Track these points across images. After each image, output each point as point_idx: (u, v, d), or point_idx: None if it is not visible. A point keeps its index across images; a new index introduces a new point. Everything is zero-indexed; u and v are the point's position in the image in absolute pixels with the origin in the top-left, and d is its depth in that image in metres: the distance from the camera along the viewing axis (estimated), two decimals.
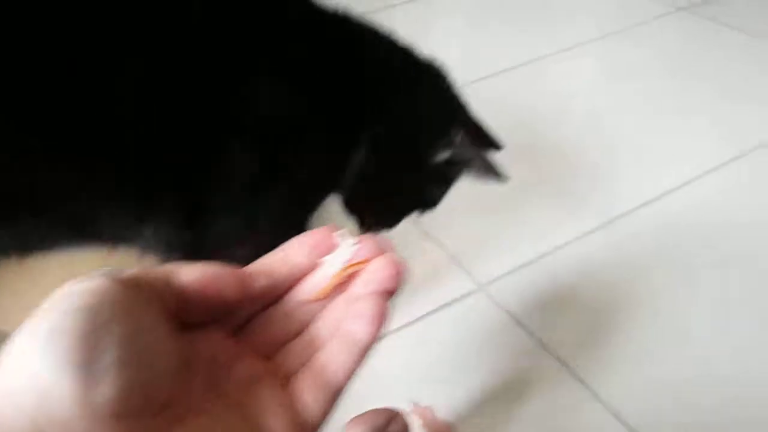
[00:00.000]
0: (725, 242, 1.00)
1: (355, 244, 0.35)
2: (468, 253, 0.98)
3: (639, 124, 1.29)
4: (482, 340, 0.86)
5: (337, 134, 0.72)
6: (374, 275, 0.34)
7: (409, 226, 0.94)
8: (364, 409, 0.45)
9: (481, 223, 1.04)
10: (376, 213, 0.82)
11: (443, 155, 0.75)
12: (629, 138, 1.25)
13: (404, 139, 0.75)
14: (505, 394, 0.80)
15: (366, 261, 0.35)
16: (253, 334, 0.34)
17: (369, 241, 0.35)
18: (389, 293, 0.34)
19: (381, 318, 0.33)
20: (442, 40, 1.65)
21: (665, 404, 0.79)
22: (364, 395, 0.76)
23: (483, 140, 0.77)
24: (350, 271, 0.35)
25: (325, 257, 0.35)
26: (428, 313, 0.89)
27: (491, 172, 0.77)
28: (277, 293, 0.35)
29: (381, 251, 0.35)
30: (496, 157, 0.78)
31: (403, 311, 0.89)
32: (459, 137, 0.74)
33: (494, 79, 1.42)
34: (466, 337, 0.87)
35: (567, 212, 1.06)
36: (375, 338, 0.33)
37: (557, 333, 0.87)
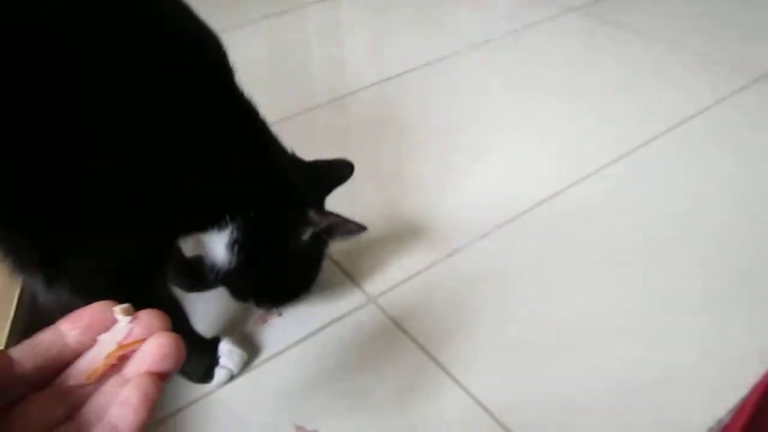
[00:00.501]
0: (599, 246, 1.04)
1: (131, 322, 0.34)
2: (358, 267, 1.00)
3: (521, 125, 1.32)
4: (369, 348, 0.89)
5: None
6: (147, 356, 0.34)
7: None
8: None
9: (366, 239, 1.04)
10: (259, 297, 0.89)
11: (306, 234, 0.82)
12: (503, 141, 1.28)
13: (269, 224, 0.79)
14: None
15: (141, 340, 0.34)
16: (24, 416, 0.33)
17: (145, 318, 0.35)
18: (162, 375, 0.34)
19: (147, 404, 0.33)
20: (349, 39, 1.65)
21: (531, 398, 0.81)
22: (248, 418, 0.77)
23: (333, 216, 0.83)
24: (124, 351, 0.34)
25: (100, 335, 0.34)
26: (320, 328, 0.91)
27: (353, 229, 0.83)
28: (48, 374, 0.34)
29: (157, 329, 0.34)
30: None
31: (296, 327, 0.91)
32: (314, 214, 0.81)
33: (390, 81, 1.43)
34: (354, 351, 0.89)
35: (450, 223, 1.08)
36: (140, 425, 0.33)
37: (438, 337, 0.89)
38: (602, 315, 0.91)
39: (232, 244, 0.78)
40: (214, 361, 0.85)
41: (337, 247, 0.99)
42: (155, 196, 0.69)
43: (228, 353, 0.85)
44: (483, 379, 0.83)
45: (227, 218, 0.76)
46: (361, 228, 0.82)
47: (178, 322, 0.82)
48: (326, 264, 0.95)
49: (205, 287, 0.95)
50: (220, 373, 0.84)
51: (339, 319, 0.92)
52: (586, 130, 1.30)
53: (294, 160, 0.86)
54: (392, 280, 0.97)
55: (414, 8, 1.81)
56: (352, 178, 0.90)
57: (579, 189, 1.14)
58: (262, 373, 0.85)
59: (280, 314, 0.93)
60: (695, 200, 1.11)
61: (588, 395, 0.81)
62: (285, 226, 0.81)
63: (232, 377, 0.85)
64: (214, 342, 0.86)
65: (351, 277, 0.98)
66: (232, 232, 0.77)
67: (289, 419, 0.79)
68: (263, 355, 0.87)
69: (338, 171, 0.91)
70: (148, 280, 0.76)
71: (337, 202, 0.89)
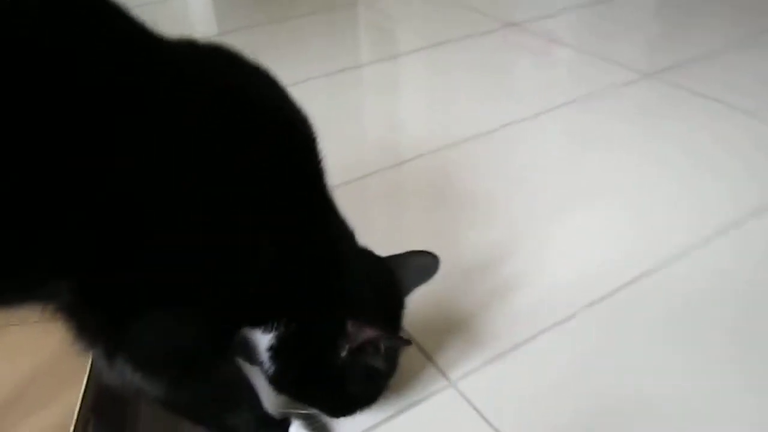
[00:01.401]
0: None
1: None
2: None
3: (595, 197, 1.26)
4: None
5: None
6: None
7: None
8: None
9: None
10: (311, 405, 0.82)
11: (344, 347, 0.75)
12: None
13: (301, 338, 0.74)
14: None
15: None
16: None
17: None
18: None
19: None
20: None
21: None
22: None
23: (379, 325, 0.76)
24: None
25: None
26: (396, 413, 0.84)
27: (394, 345, 0.79)
28: None
29: None
30: None
31: None
32: (352, 326, 0.74)
33: (459, 146, 1.37)
34: None
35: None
36: None
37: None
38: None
39: (270, 349, 0.74)
40: None
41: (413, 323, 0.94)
42: (229, 279, 0.67)
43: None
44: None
45: (274, 321, 0.73)
46: (404, 342, 0.79)
47: (247, 401, 0.79)
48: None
49: None
50: None
51: (416, 403, 0.85)
52: (669, 204, 1.23)
53: (365, 258, 0.82)
54: (473, 362, 0.91)
55: (477, 69, 1.77)
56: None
57: (668, 271, 1.06)
58: None
59: None
60: None
61: None
62: (322, 338, 0.75)
63: None
64: (285, 424, 0.81)
65: (429, 356, 0.91)
66: (273, 337, 0.73)
67: None
68: None
69: (419, 268, 0.85)
70: (209, 361, 0.73)
71: None
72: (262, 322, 0.72)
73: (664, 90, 1.63)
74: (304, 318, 0.73)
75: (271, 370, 0.75)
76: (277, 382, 0.77)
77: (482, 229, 1.18)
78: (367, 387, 0.80)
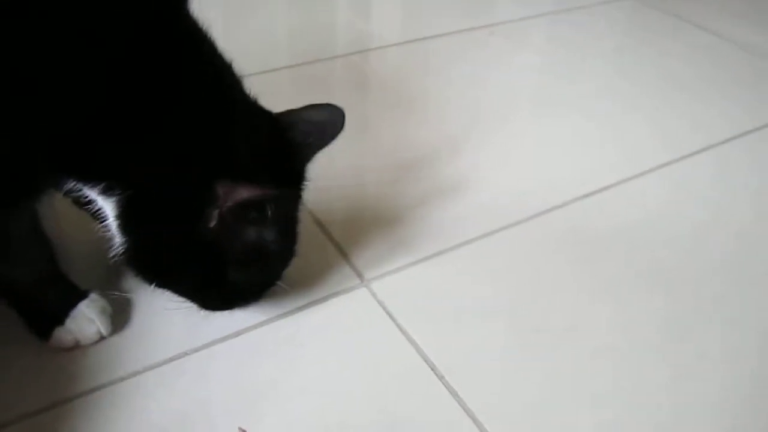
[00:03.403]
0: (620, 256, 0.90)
1: None
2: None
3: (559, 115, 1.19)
4: None
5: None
6: None
7: None
8: None
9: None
10: (176, 292, 0.68)
11: (212, 216, 0.60)
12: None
13: (155, 203, 0.60)
14: None
15: None
16: None
17: None
18: None
19: None
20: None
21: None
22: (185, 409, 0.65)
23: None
24: None
25: None
26: (297, 309, 0.78)
27: (285, 201, 0.65)
28: None
29: None
30: None
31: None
32: (222, 187, 0.59)
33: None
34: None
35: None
36: None
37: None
38: (605, 328, 0.79)
39: (118, 218, 0.60)
40: (61, 316, 0.69)
41: (332, 219, 0.88)
42: (31, 103, 0.52)
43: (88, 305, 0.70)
44: (473, 381, 0.71)
45: (111, 179, 0.58)
46: (293, 195, 0.64)
47: (35, 257, 0.68)
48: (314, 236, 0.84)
49: None
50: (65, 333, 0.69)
51: (321, 300, 0.79)
52: (628, 131, 1.17)
53: (249, 110, 0.67)
54: (391, 265, 0.85)
55: None
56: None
57: (605, 195, 1.01)
58: (212, 354, 0.72)
59: None
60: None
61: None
62: (186, 205, 0.60)
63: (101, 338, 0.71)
64: (81, 294, 0.71)
65: (344, 253, 0.86)
66: (117, 203, 0.59)
67: (234, 419, 0.65)
68: (216, 335, 0.74)
69: (321, 125, 0.70)
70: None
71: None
72: (92, 177, 0.58)
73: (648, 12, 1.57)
74: (156, 178, 0.59)
75: (124, 246, 0.61)
76: (133, 262, 0.63)
77: (429, 130, 1.12)
78: (253, 271, 0.66)
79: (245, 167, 0.62)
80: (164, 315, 0.75)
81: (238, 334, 0.74)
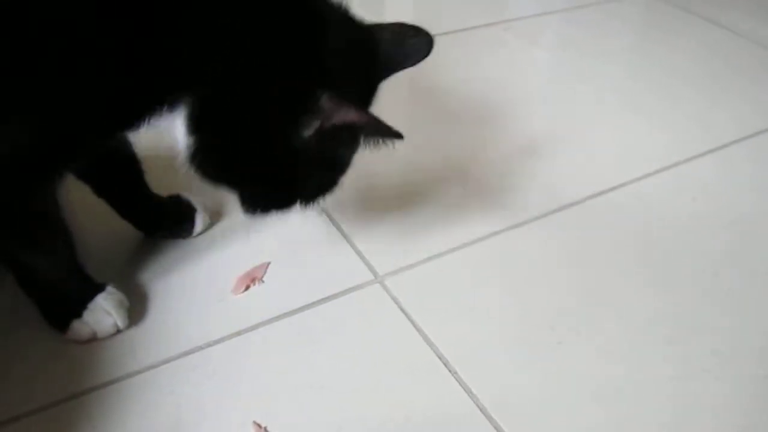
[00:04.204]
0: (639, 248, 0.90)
1: None
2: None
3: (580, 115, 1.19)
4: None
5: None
6: None
7: None
8: None
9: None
10: (242, 195, 0.67)
11: (310, 126, 0.60)
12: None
13: (241, 104, 0.59)
14: None
15: None
16: None
17: None
18: None
19: None
20: None
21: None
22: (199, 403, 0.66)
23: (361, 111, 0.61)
24: None
25: None
26: (310, 304, 0.78)
27: (384, 132, 0.61)
28: None
29: None
30: None
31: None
32: (328, 100, 0.58)
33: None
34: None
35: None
36: None
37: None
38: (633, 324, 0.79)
39: (193, 118, 0.58)
40: (78, 308, 0.70)
41: (345, 215, 0.89)
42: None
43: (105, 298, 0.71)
44: (485, 376, 0.71)
45: (175, 91, 0.57)
46: (395, 135, 0.61)
47: (59, 247, 0.68)
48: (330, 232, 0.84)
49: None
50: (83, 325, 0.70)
51: (335, 296, 0.80)
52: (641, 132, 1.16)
53: (344, 20, 0.64)
54: (403, 261, 0.85)
55: None
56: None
57: (631, 188, 1.01)
58: (227, 348, 0.72)
59: (262, 281, 0.80)
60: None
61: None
62: (287, 108, 0.59)
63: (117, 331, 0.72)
64: (98, 287, 0.72)
65: (357, 250, 0.86)
66: (194, 103, 0.57)
67: (248, 413, 0.66)
68: (231, 329, 0.74)
69: (407, 45, 0.68)
70: (35, 182, 0.60)
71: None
72: (153, 104, 0.57)
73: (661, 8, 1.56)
74: (255, 78, 0.57)
75: (191, 146, 0.59)
76: (200, 159, 0.61)
77: (441, 126, 1.12)
78: (320, 179, 0.67)
79: (347, 84, 0.61)
80: (180, 309, 0.76)
81: (252, 328, 0.74)
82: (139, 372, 0.69)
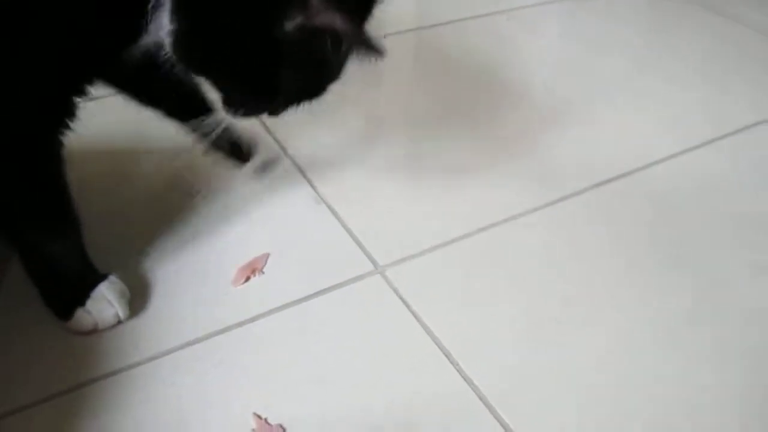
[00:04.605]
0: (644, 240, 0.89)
1: None
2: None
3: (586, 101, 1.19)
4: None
5: None
6: None
7: None
8: None
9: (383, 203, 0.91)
10: (223, 90, 0.66)
11: (294, 22, 0.57)
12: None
13: None
14: None
15: None
16: None
17: None
18: None
19: None
20: None
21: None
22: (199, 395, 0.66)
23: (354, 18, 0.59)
24: None
25: None
26: (308, 296, 0.78)
27: (366, 45, 0.61)
28: None
29: None
30: None
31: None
32: (317, 3, 0.56)
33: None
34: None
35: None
36: None
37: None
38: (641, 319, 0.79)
39: (175, 5, 0.56)
40: (82, 297, 0.70)
41: (345, 206, 0.88)
42: None
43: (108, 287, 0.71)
44: (487, 367, 0.71)
45: None
46: (378, 51, 0.60)
47: (67, 229, 0.69)
48: (330, 222, 0.83)
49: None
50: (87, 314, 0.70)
51: (335, 287, 0.80)
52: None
53: None
54: (404, 252, 0.85)
55: None
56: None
57: (634, 177, 1.01)
58: (227, 340, 0.72)
59: (262, 272, 0.80)
60: None
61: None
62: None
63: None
64: (100, 276, 0.72)
65: (358, 241, 0.86)
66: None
67: (248, 404, 0.66)
68: (231, 320, 0.74)
69: None
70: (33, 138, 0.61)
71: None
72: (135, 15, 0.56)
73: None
74: None
75: (174, 31, 0.58)
76: (181, 46, 0.59)
77: (442, 117, 1.11)
78: (304, 80, 0.64)
79: None
80: (180, 300, 0.76)
81: (253, 320, 0.74)
82: (140, 363, 0.69)
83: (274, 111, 0.68)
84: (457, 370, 0.71)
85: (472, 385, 0.69)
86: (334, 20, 0.57)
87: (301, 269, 0.81)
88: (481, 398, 0.68)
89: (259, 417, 0.64)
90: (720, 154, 1.07)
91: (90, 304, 0.70)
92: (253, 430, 0.64)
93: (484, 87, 1.21)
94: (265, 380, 0.68)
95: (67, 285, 0.72)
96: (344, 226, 0.88)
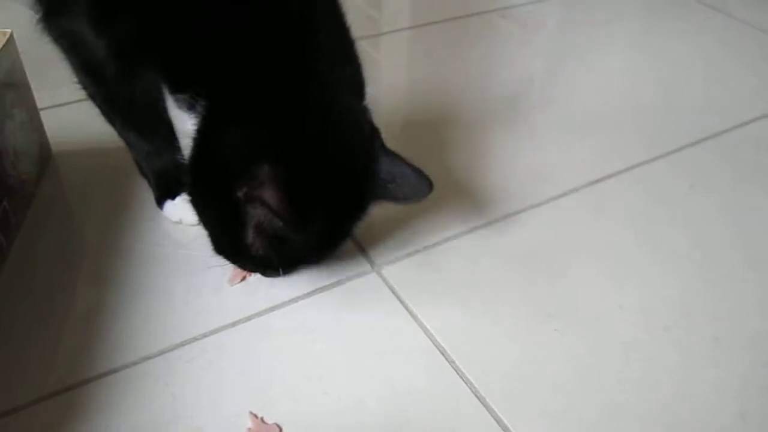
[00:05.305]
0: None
1: None
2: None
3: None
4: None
5: None
6: None
7: None
8: None
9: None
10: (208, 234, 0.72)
11: (242, 191, 0.61)
12: None
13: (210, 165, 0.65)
14: None
15: None
16: None
17: None
18: None
19: None
20: None
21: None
22: (197, 391, 0.65)
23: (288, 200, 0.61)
24: None
25: None
26: (306, 294, 0.78)
27: (284, 230, 0.65)
28: None
29: None
30: None
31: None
32: (266, 171, 0.59)
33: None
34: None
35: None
36: None
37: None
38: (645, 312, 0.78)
39: (195, 136, 0.64)
40: (168, 195, 0.83)
41: None
42: None
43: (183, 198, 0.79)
44: (483, 365, 0.70)
45: (196, 95, 0.62)
46: (293, 228, 0.63)
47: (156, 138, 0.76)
48: None
49: None
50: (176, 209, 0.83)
51: (331, 286, 0.79)
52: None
53: (350, 109, 0.68)
54: (401, 251, 0.84)
55: None
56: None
57: (630, 174, 1.00)
58: (222, 339, 0.72)
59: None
60: None
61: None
62: (231, 160, 0.62)
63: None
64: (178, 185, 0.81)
65: (354, 239, 0.85)
66: (198, 117, 0.63)
67: (244, 403, 0.65)
68: (227, 319, 0.74)
69: (406, 180, 0.70)
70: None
71: None
72: (181, 82, 0.63)
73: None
74: (226, 114, 0.62)
75: (190, 166, 0.66)
76: (189, 185, 0.68)
77: (437, 117, 1.10)
78: (265, 250, 0.68)
79: (296, 174, 0.61)
80: (176, 299, 0.75)
81: (248, 318, 0.74)
82: (135, 363, 0.69)
83: (253, 267, 0.75)
84: (453, 368, 0.70)
85: (468, 382, 0.69)
86: (272, 198, 0.59)
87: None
88: (477, 395, 0.68)
89: (255, 416, 0.64)
90: (713, 152, 1.07)
91: (178, 200, 0.82)
92: (249, 429, 0.63)
93: (476, 86, 1.21)
94: (260, 379, 0.68)
95: (160, 181, 0.83)
96: None
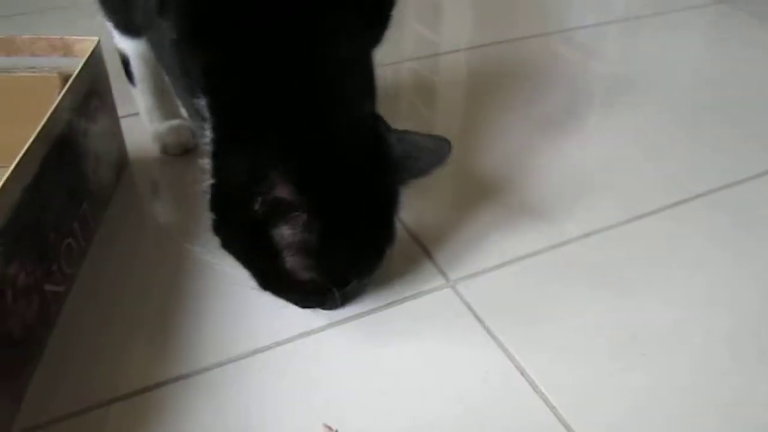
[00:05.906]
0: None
1: None
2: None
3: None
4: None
5: None
6: None
7: None
8: None
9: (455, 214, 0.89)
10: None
11: (256, 202, 0.61)
12: None
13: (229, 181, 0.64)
14: None
15: None
16: None
17: None
18: None
19: None
20: None
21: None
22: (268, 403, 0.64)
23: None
24: None
25: None
26: (376, 309, 0.76)
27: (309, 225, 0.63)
28: None
29: None
30: None
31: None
32: (280, 177, 0.59)
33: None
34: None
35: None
36: None
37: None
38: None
39: (211, 150, 0.64)
40: None
41: (416, 217, 0.86)
42: None
43: None
44: (564, 387, 0.67)
45: (209, 97, 0.62)
46: (311, 210, 0.61)
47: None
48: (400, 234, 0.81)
49: None
50: None
51: (406, 299, 0.77)
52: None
53: (358, 116, 0.66)
54: (477, 266, 0.82)
55: None
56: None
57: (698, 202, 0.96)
58: (293, 349, 0.70)
59: None
60: None
61: None
62: (245, 174, 0.61)
63: None
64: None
65: (429, 254, 0.83)
66: (212, 121, 0.62)
67: (317, 414, 0.63)
68: (301, 329, 0.72)
69: (424, 151, 0.69)
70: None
71: None
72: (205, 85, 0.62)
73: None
74: (235, 135, 0.62)
75: (211, 200, 0.65)
76: (213, 222, 0.66)
77: (503, 135, 1.08)
78: (308, 270, 0.66)
79: (306, 167, 0.61)
80: (249, 308, 0.74)
81: (321, 329, 0.73)
82: (206, 369, 0.68)
83: (305, 300, 0.72)
84: (533, 388, 0.67)
85: (548, 403, 0.65)
86: (284, 192, 0.59)
87: (370, 281, 0.79)
88: (558, 417, 0.64)
89: (330, 428, 0.62)
90: None
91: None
92: None
93: (542, 107, 1.18)
94: (333, 391, 0.66)
95: None
96: (414, 237, 0.85)
